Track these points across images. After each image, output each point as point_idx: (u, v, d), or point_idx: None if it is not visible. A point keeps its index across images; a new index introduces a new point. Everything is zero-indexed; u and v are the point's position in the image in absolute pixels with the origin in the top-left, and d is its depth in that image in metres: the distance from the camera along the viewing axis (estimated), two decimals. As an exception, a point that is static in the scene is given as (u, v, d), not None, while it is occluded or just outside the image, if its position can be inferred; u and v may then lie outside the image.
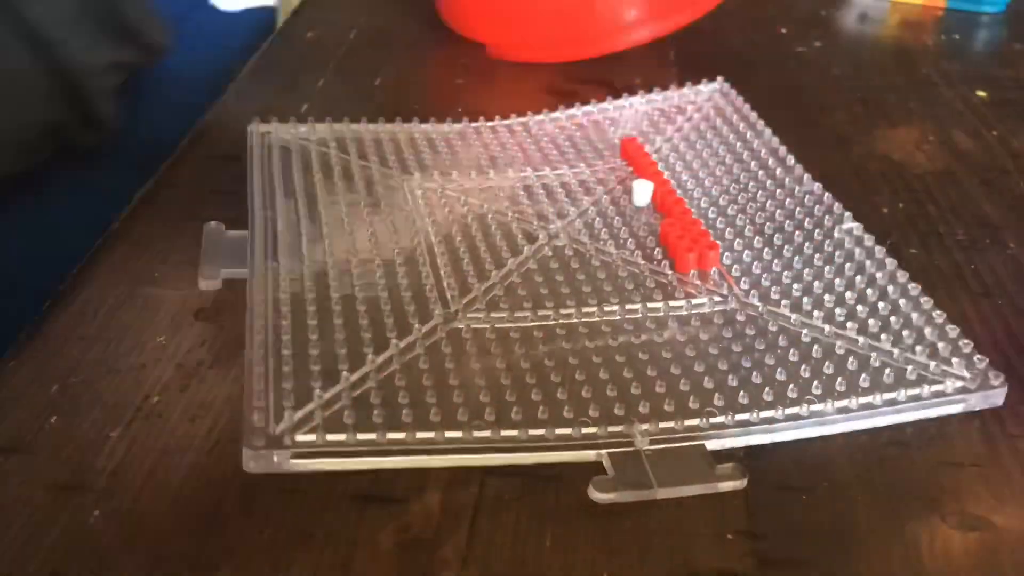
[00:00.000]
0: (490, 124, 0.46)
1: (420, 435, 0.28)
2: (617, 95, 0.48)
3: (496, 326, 0.33)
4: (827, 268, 0.36)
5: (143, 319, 0.34)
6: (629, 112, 0.48)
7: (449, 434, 0.28)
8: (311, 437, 0.27)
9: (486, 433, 0.28)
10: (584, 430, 0.29)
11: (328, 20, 0.60)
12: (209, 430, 0.30)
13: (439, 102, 0.51)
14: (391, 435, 0.27)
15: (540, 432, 0.28)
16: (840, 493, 0.28)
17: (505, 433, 0.28)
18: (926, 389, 0.31)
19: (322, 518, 0.27)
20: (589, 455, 0.29)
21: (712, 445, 0.29)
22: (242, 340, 0.31)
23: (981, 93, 0.52)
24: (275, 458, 0.27)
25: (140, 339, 0.33)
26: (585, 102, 0.48)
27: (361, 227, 0.37)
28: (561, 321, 0.33)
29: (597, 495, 0.27)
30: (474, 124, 0.46)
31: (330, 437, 0.27)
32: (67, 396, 0.31)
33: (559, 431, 0.29)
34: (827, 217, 0.40)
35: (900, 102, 0.51)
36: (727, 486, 0.28)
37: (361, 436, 0.27)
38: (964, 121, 0.49)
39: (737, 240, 0.38)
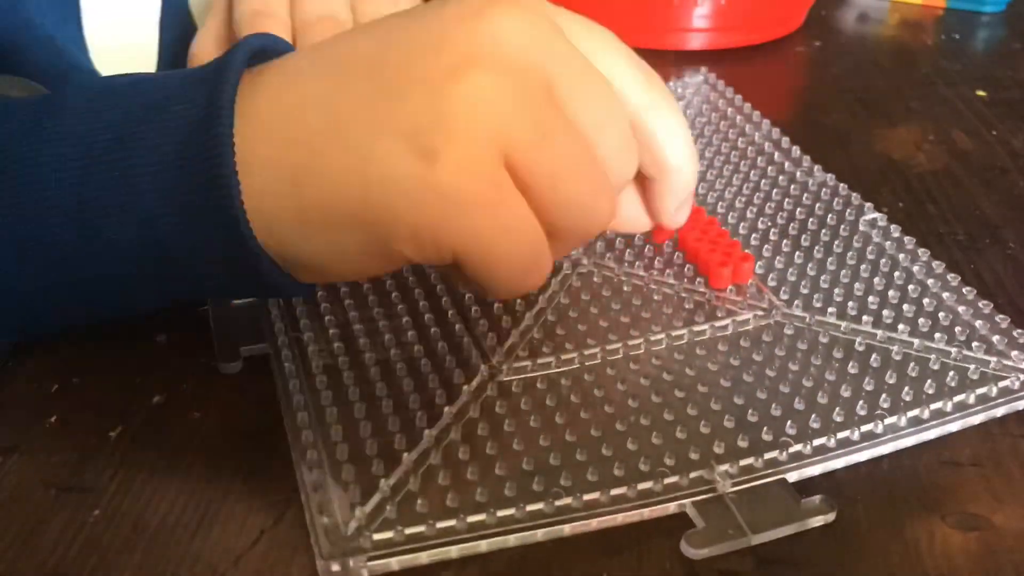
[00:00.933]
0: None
1: (500, 513, 0.26)
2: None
3: (544, 373, 0.31)
4: (862, 266, 0.35)
5: (143, 319, 0.33)
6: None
7: (530, 507, 0.26)
8: (388, 534, 0.25)
9: (567, 501, 0.26)
10: (665, 480, 0.27)
11: None
12: (209, 429, 0.29)
13: None
14: (471, 518, 0.26)
15: (621, 491, 0.27)
16: (840, 493, 0.28)
17: (587, 497, 0.26)
18: (993, 388, 0.30)
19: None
20: (670, 508, 0.27)
21: (792, 477, 0.28)
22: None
23: (981, 93, 0.52)
24: (351, 563, 0.24)
25: (140, 339, 0.33)
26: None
27: (378, 279, 0.35)
28: (609, 358, 0.32)
29: (692, 551, 0.26)
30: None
31: (409, 531, 0.25)
32: (67, 396, 0.30)
33: (641, 486, 0.27)
34: (848, 210, 0.39)
35: (900, 102, 0.51)
36: (817, 521, 0.27)
37: (441, 524, 0.25)
38: (964, 121, 0.49)
39: (765, 246, 0.37)
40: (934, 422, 0.30)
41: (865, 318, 0.33)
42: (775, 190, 0.40)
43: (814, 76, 0.55)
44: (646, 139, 0.30)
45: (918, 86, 0.53)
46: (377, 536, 0.25)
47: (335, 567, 0.24)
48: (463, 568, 0.25)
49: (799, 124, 0.45)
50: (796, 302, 0.34)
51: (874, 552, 0.26)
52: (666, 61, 0.52)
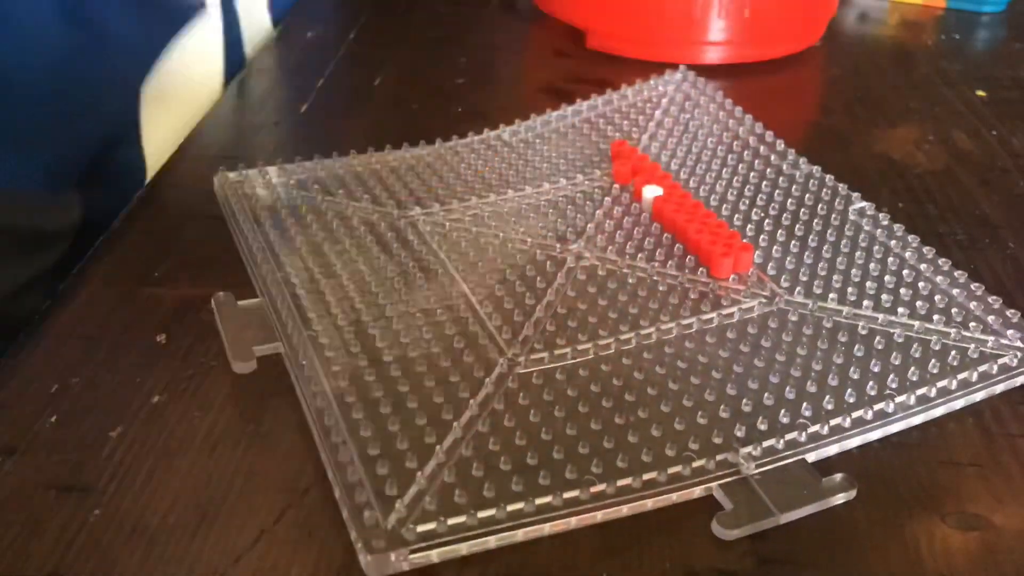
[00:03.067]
0: (464, 142, 0.44)
1: (538, 501, 0.26)
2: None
3: (562, 364, 0.31)
4: (857, 254, 0.36)
5: (143, 319, 0.33)
6: (604, 111, 0.47)
7: (567, 495, 0.26)
8: (431, 526, 0.25)
9: (602, 487, 0.27)
10: (693, 464, 0.28)
11: (328, 20, 0.58)
12: (209, 429, 0.29)
13: (438, 102, 0.50)
14: (511, 507, 0.26)
15: (652, 475, 0.27)
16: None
17: (621, 483, 0.27)
18: (993, 366, 0.31)
19: (322, 516, 0.26)
20: (695, 492, 0.28)
21: (811, 457, 0.29)
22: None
23: (981, 93, 0.52)
24: (393, 557, 0.24)
25: (140, 339, 0.33)
26: (573, 103, 0.47)
27: (384, 277, 0.35)
28: (623, 348, 0.32)
29: (724, 532, 0.26)
30: (448, 144, 0.44)
31: (451, 522, 0.25)
32: (67, 396, 0.30)
33: (671, 470, 0.27)
34: (837, 200, 0.40)
35: (900, 102, 0.51)
36: (840, 498, 0.28)
37: (482, 514, 0.25)
38: (964, 121, 0.49)
39: (761, 237, 0.37)
40: (940, 400, 0.30)
41: (865, 303, 0.34)
42: (764, 183, 0.41)
43: (814, 76, 0.55)
44: None
45: (918, 86, 0.53)
46: (420, 528, 0.25)
47: (378, 562, 0.24)
48: (464, 567, 0.25)
49: (799, 124, 0.46)
50: (797, 289, 0.35)
51: (874, 552, 0.26)
52: (669, 65, 0.53)
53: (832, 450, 0.29)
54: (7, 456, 0.28)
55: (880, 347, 0.32)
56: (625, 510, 0.27)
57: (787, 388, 0.30)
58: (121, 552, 0.25)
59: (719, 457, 0.28)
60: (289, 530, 0.26)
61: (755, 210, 0.39)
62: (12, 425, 0.29)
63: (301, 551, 0.25)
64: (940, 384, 0.31)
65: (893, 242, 0.37)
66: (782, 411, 0.29)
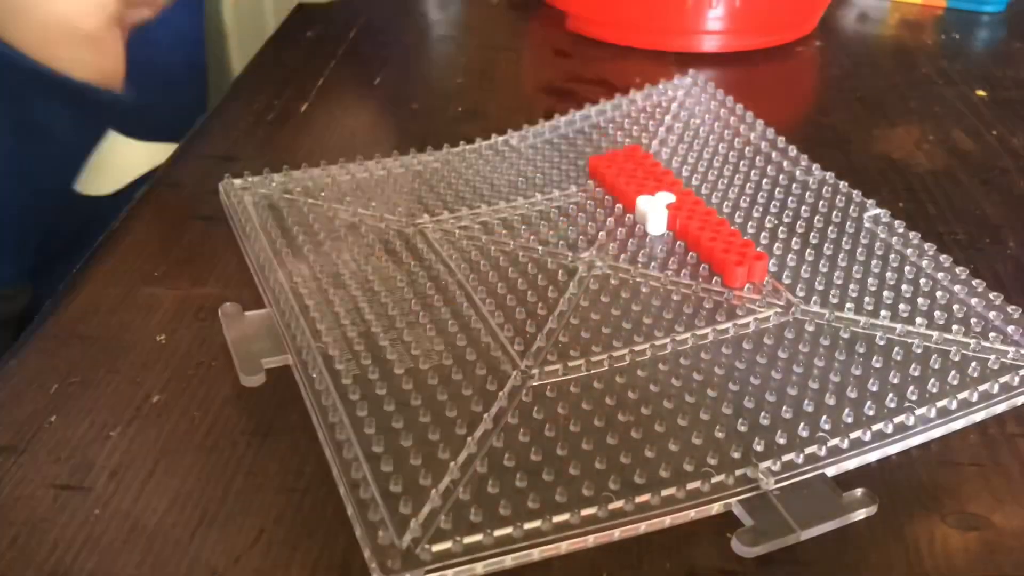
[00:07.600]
0: (472, 147, 0.44)
1: (556, 519, 0.25)
2: (613, 96, 0.47)
3: (576, 376, 0.31)
4: (872, 262, 0.36)
5: (143, 319, 0.33)
6: (612, 116, 0.46)
7: (584, 512, 0.26)
8: (446, 545, 0.24)
9: (620, 504, 0.26)
10: (712, 480, 0.27)
11: (328, 20, 0.58)
12: (209, 429, 0.29)
13: (438, 101, 0.50)
14: (528, 526, 0.25)
15: (671, 492, 0.27)
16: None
17: (639, 500, 0.26)
18: (1015, 377, 0.31)
19: (322, 516, 0.26)
20: (713, 508, 0.27)
21: (831, 471, 0.28)
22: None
23: (981, 92, 0.52)
24: (409, 576, 0.24)
25: (140, 339, 0.33)
26: (581, 104, 0.46)
27: (394, 287, 0.34)
28: (638, 359, 0.31)
29: (744, 550, 0.26)
30: (455, 150, 0.44)
31: (467, 541, 0.25)
32: (67, 396, 0.30)
33: (690, 486, 0.27)
34: (851, 207, 0.39)
35: (900, 102, 0.51)
36: (861, 514, 0.27)
37: (498, 533, 0.25)
38: (964, 120, 0.49)
39: (776, 245, 0.37)
40: (960, 412, 0.30)
41: (883, 313, 0.33)
42: (777, 189, 0.40)
43: (814, 76, 0.55)
44: None
45: (918, 86, 0.53)
46: (436, 548, 0.24)
47: (395, 582, 0.24)
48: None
49: (799, 124, 0.45)
50: (813, 299, 0.34)
51: (874, 552, 0.26)
52: (666, 60, 0.53)
53: (852, 464, 0.29)
54: (7, 456, 0.28)
55: (899, 358, 0.32)
56: (643, 527, 0.26)
57: (805, 401, 0.30)
58: (121, 552, 0.25)
59: (738, 472, 0.27)
60: (289, 530, 0.26)
61: (768, 217, 0.38)
62: (12, 425, 0.29)
63: (301, 551, 0.25)
64: (961, 396, 0.30)
65: (909, 250, 0.37)
66: (801, 424, 0.29)
